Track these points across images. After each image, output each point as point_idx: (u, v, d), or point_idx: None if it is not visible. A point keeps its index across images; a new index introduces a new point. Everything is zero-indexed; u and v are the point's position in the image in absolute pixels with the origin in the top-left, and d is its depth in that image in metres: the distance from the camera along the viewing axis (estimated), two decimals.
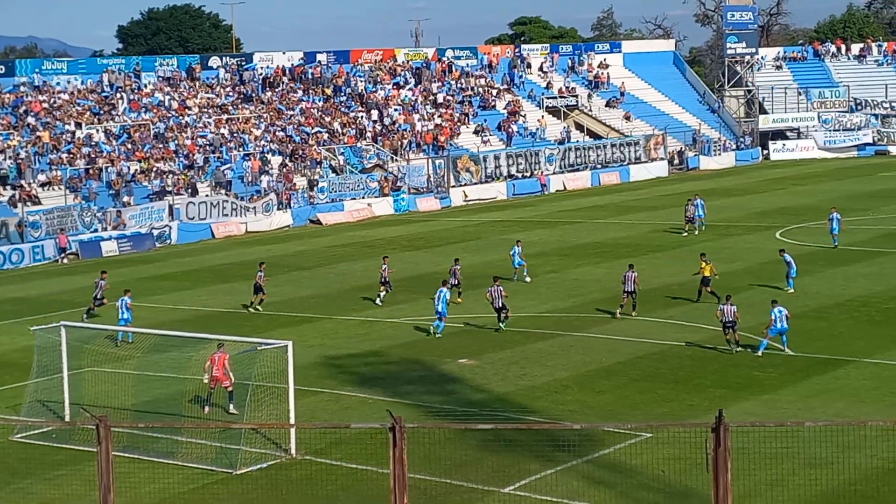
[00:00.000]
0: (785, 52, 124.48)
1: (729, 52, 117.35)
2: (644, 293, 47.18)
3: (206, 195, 76.15)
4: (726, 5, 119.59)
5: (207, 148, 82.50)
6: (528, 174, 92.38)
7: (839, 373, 35.51)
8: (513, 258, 52.29)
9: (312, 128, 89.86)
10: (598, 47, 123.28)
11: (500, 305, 42.66)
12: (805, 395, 33.33)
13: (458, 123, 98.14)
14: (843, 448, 26.82)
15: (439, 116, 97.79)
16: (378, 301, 48.75)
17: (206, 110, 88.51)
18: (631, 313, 44.38)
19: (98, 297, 46.73)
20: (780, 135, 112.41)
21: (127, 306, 42.75)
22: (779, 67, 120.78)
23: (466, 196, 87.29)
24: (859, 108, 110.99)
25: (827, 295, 45.53)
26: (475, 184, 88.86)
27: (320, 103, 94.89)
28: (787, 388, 34.05)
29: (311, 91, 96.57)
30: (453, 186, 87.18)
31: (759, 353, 37.19)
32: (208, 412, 33.23)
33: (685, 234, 63.57)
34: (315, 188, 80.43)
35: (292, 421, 29.99)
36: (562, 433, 28.76)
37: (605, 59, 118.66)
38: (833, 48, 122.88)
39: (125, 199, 72.64)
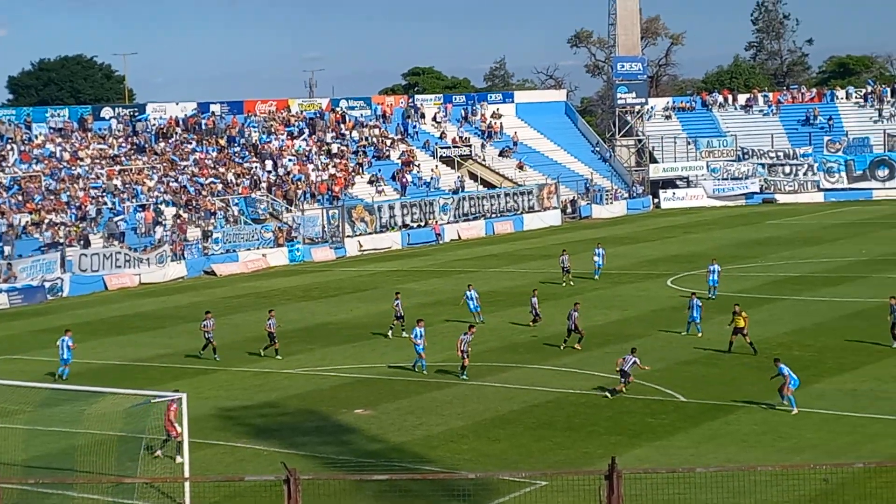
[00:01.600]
0: (674, 102, 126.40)
1: (619, 102, 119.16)
2: (538, 340, 47.71)
3: (99, 247, 75.33)
4: (616, 56, 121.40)
5: (100, 199, 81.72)
6: (423, 224, 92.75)
7: (730, 418, 36.06)
8: (468, 303, 53.26)
9: (206, 178, 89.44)
10: (491, 97, 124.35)
11: (464, 350, 42.79)
12: (697, 440, 33.82)
13: (353, 173, 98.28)
14: (734, 493, 27.21)
15: (334, 166, 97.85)
16: (390, 334, 50.62)
17: (98, 161, 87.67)
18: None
19: (209, 338, 48.00)
20: (670, 183, 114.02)
21: (68, 346, 44.74)
22: (668, 117, 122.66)
23: (361, 246, 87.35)
24: (746, 157, 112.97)
25: (718, 341, 46.18)
26: (370, 233, 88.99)
27: (214, 154, 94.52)
28: (680, 434, 34.53)
29: (204, 141, 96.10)
30: (348, 236, 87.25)
31: (795, 410, 36.09)
32: (179, 461, 32.06)
33: (568, 283, 64.14)
34: (209, 239, 79.99)
35: (187, 474, 29.75)
36: (458, 482, 28.89)
37: (498, 109, 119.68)
38: (720, 98, 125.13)
39: (6, 250, 71.31)
